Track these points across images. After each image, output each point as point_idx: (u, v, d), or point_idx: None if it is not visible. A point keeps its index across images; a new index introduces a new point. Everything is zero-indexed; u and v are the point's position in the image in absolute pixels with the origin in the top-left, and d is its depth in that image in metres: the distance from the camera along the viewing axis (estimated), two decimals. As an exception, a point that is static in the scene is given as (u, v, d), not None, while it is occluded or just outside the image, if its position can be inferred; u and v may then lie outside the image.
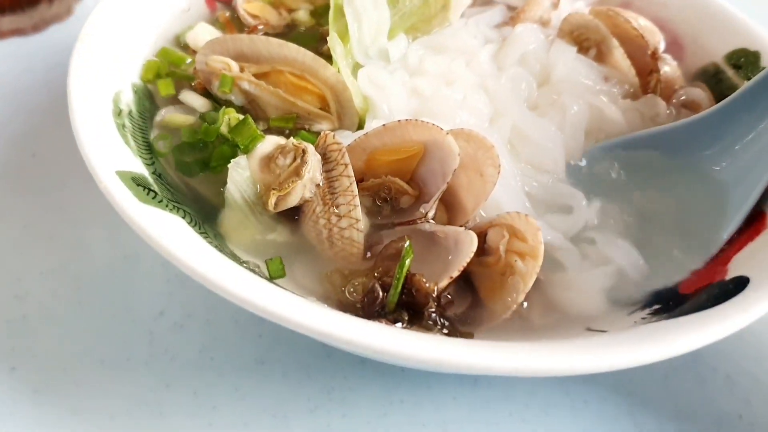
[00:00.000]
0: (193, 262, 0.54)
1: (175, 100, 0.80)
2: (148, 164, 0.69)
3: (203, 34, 0.83)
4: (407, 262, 0.61)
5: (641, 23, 0.85)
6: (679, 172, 0.76)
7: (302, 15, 0.89)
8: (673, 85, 0.87)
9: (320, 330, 0.51)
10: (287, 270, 0.65)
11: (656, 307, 0.65)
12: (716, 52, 0.89)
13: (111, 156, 0.64)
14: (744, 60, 0.86)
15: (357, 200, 0.65)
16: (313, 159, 0.66)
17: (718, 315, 0.57)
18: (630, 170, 0.77)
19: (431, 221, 0.68)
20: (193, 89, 0.80)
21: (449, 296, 0.63)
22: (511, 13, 0.92)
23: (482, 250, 0.65)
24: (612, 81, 0.85)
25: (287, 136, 0.74)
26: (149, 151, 0.72)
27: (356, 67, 0.77)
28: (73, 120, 0.64)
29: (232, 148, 0.71)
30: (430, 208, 0.67)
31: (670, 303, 0.65)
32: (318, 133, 0.72)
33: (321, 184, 0.66)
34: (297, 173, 0.66)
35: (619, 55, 0.85)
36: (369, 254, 0.67)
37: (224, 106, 0.74)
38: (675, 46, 0.93)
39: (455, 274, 0.61)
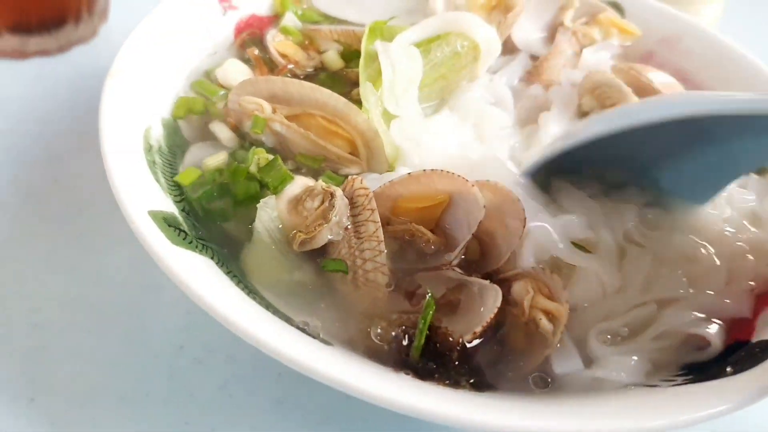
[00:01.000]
0: (227, 310, 0.55)
1: (203, 133, 0.81)
2: (177, 201, 0.70)
3: (233, 71, 0.84)
4: (430, 313, 0.62)
5: (662, 80, 0.87)
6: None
7: (331, 56, 0.90)
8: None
9: (344, 383, 0.53)
10: (312, 310, 0.65)
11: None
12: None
13: (142, 195, 0.65)
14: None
15: (383, 245, 0.66)
16: (341, 203, 0.67)
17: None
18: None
19: (455, 269, 0.69)
20: (223, 122, 0.81)
21: (475, 346, 0.63)
22: (534, 62, 0.93)
23: (507, 300, 0.65)
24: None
25: (314, 175, 0.75)
26: (178, 187, 0.73)
27: (385, 115, 0.78)
28: (105, 159, 0.65)
29: (258, 186, 0.72)
30: (455, 258, 0.68)
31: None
32: (345, 177, 0.73)
33: (348, 227, 0.67)
34: (324, 217, 0.66)
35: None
36: (394, 298, 0.67)
37: (253, 146, 0.75)
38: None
39: (479, 329, 0.62)
